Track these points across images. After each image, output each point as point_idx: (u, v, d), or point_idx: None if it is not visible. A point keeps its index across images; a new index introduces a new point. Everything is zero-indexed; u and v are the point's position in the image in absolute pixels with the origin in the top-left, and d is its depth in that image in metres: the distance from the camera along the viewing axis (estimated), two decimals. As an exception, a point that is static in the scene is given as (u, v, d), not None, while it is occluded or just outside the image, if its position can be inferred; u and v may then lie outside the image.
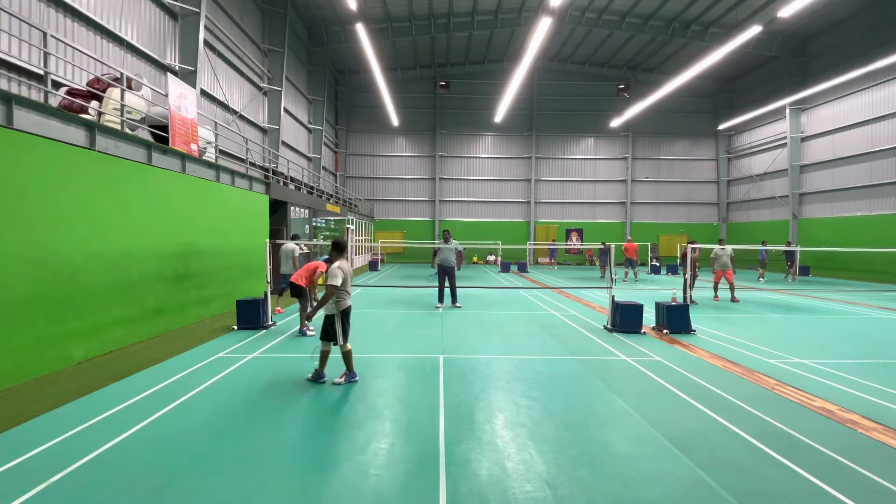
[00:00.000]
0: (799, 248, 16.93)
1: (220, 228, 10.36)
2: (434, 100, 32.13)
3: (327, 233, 21.27)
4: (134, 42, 11.48)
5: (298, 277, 8.03)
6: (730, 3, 22.15)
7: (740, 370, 6.20)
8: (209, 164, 10.29)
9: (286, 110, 21.22)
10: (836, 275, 22.38)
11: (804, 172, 25.47)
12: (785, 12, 17.25)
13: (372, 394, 5.18)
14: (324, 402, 4.97)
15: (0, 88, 6.46)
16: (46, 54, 6.70)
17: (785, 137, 26.30)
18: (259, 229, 12.35)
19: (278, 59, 19.66)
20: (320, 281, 8.13)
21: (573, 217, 32.78)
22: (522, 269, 24.98)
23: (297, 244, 10.17)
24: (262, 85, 19.03)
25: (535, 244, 29.28)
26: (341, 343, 5.43)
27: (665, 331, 8.57)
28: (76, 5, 9.68)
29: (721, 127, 31.11)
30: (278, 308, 10.54)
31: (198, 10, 13.22)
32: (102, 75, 8.46)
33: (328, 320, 5.44)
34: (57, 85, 8.17)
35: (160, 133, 9.07)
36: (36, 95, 8.46)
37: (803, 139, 25.45)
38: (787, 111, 25.66)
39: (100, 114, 7.79)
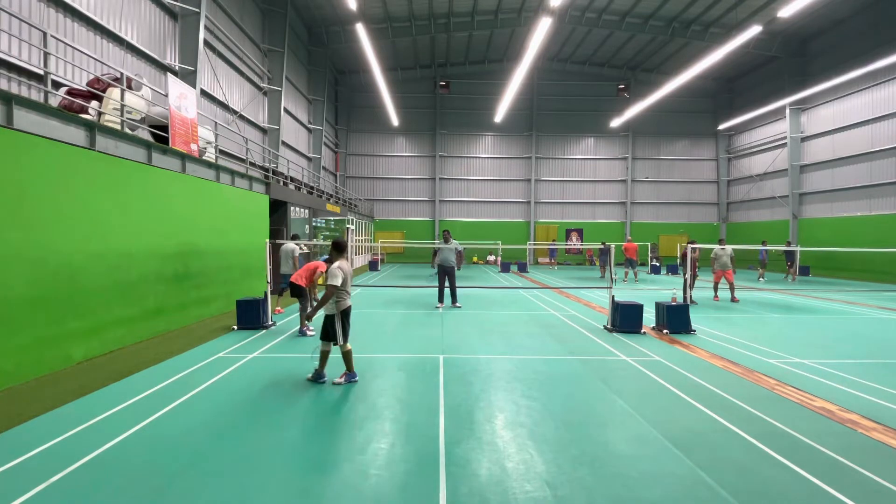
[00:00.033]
0: (799, 248, 16.93)
1: (220, 228, 10.36)
2: (434, 100, 32.13)
3: (327, 233, 21.28)
4: (134, 42, 11.48)
5: (298, 277, 8.03)
6: (730, 3, 22.16)
7: (740, 370, 6.20)
8: (209, 164, 10.29)
9: (286, 110, 21.22)
10: (836, 275, 22.38)
11: (804, 172, 25.47)
12: (785, 12, 17.25)
13: (372, 394, 5.18)
14: (324, 402, 4.97)
15: (0, 88, 6.46)
16: (46, 54, 6.70)
17: (785, 137, 26.30)
18: (259, 229, 12.35)
19: (278, 59, 19.66)
20: (320, 281, 8.13)
21: (573, 217, 32.79)
22: (522, 269, 24.98)
23: (297, 244, 10.17)
24: (262, 85, 19.03)
25: (535, 244, 29.28)
26: (341, 343, 5.43)
27: (665, 331, 8.57)
28: (76, 5, 9.68)
29: (721, 127, 31.12)
30: (278, 308, 10.54)
31: (198, 10, 13.22)
32: (102, 75, 8.46)
33: (328, 320, 5.44)
34: (57, 85, 8.17)
35: (160, 133, 9.07)
36: (36, 95, 8.46)
37: (803, 139, 25.45)
38: (787, 111, 25.66)
39: (100, 114, 7.79)
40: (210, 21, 14.45)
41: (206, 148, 11.28)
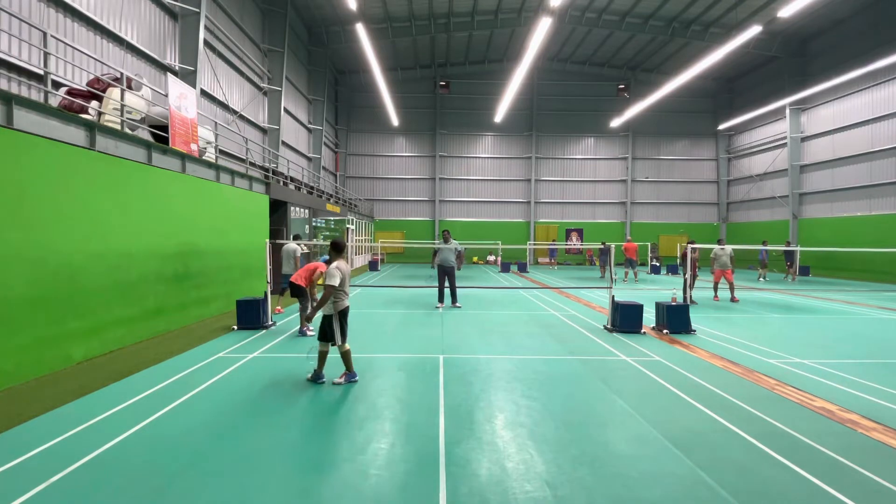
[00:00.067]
0: (799, 248, 16.93)
1: (220, 228, 10.36)
2: (434, 100, 32.13)
3: (327, 233, 21.28)
4: (134, 42, 11.48)
5: (298, 277, 8.03)
6: (730, 3, 22.16)
7: (740, 370, 6.20)
8: (209, 164, 10.29)
9: (286, 110, 21.22)
10: (836, 275, 22.38)
11: (804, 172, 25.47)
12: (785, 12, 17.25)
13: (372, 394, 5.18)
14: (324, 402, 4.97)
15: (0, 88, 6.46)
16: (46, 54, 6.70)
17: (785, 137, 26.30)
18: (259, 229, 12.35)
19: (278, 59, 19.66)
20: (320, 281, 8.13)
21: (573, 217, 32.79)
22: (522, 269, 24.98)
23: (298, 244, 10.17)
24: (262, 85, 19.03)
25: (535, 244, 29.27)
26: (339, 343, 5.42)
27: (665, 331, 8.57)
28: (76, 5, 9.68)
29: (721, 127, 31.12)
30: (279, 308, 10.54)
31: (198, 10, 13.22)
32: (102, 75, 8.46)
33: (326, 321, 5.44)
34: (57, 85, 8.17)
35: (160, 133, 9.07)
36: (36, 95, 8.46)
37: (803, 139, 25.45)
38: (787, 111, 25.66)
39: (100, 114, 7.79)
40: (210, 21, 14.45)
41: (206, 148, 11.28)
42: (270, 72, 19.56)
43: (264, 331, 8.48)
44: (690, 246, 10.79)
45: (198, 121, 10.38)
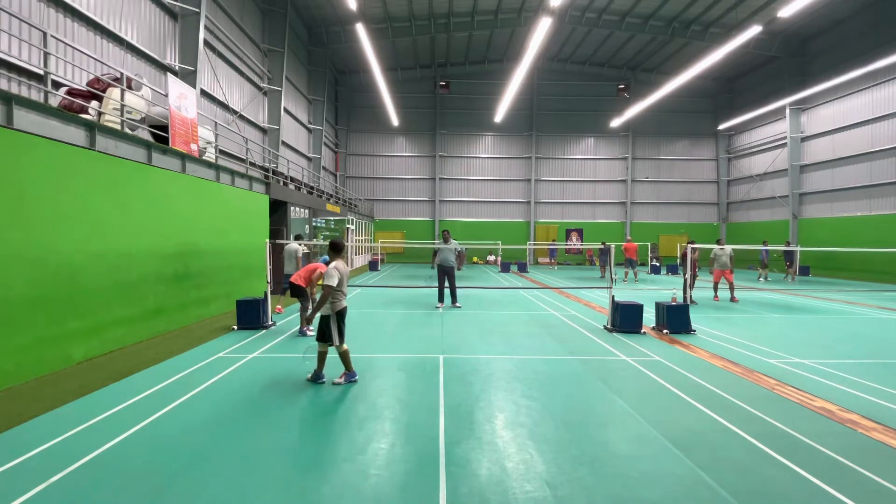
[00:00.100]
0: (799, 248, 16.92)
1: (220, 228, 10.36)
2: (434, 100, 32.14)
3: (327, 233, 21.28)
4: (134, 42, 11.47)
5: (298, 277, 8.04)
6: (730, 3, 22.16)
7: (740, 370, 6.20)
8: (209, 164, 10.29)
9: (286, 110, 21.22)
10: (836, 275, 22.38)
11: (804, 172, 25.47)
12: (785, 12, 17.25)
13: (372, 394, 5.18)
14: (323, 402, 4.97)
15: (0, 88, 6.46)
16: (46, 54, 6.70)
17: (785, 137, 26.30)
18: (259, 229, 12.35)
19: (278, 59, 19.66)
20: (320, 282, 8.13)
21: (573, 217, 32.79)
22: (522, 269, 24.98)
23: (300, 244, 10.17)
24: (262, 85, 19.03)
25: (535, 244, 29.27)
26: (338, 344, 5.42)
27: (665, 331, 8.57)
28: (76, 5, 9.68)
29: (721, 127, 31.12)
30: (279, 307, 10.54)
31: (198, 10, 13.22)
32: (102, 75, 8.46)
33: (324, 321, 5.43)
34: (57, 85, 8.17)
35: (160, 133, 9.07)
36: (36, 95, 8.46)
37: (803, 139, 25.45)
38: (787, 111, 25.66)
39: (100, 114, 7.79)
40: (210, 21, 14.45)
41: (206, 148, 11.28)
42: (270, 72, 19.56)
43: (264, 331, 8.48)
44: (690, 246, 10.79)
45: (198, 121, 10.39)
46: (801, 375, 5.98)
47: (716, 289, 13.31)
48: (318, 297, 5.62)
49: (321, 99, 26.39)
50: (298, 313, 9.25)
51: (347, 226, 23.96)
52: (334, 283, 5.29)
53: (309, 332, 8.12)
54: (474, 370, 6.11)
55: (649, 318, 9.67)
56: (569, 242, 31.76)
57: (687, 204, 32.84)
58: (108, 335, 6.82)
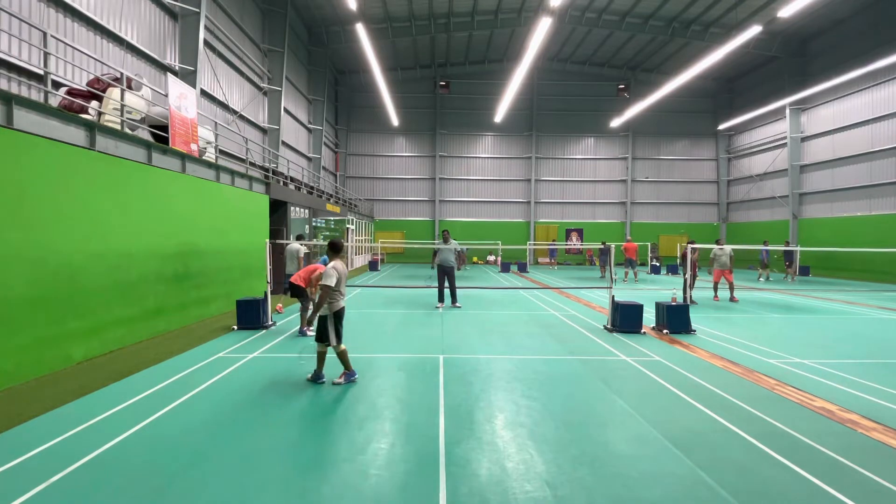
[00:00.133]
0: (799, 248, 16.92)
1: (220, 228, 10.36)
2: (434, 100, 32.14)
3: (327, 233, 21.28)
4: (134, 42, 11.47)
5: (298, 278, 8.04)
6: (730, 3, 22.16)
7: (740, 370, 6.20)
8: (209, 164, 10.29)
9: (286, 110, 21.22)
10: (836, 275, 22.38)
11: (804, 172, 25.47)
12: (785, 12, 17.25)
13: (372, 394, 5.18)
14: (323, 402, 4.97)
15: (0, 88, 6.46)
16: (46, 54, 6.70)
17: (785, 137, 26.30)
18: (259, 229, 12.35)
19: (278, 59, 19.66)
20: (319, 282, 8.14)
21: (573, 217, 32.79)
22: (522, 269, 24.98)
23: (302, 244, 10.18)
24: (262, 85, 19.03)
25: (535, 244, 29.26)
26: (334, 345, 5.41)
27: (665, 331, 8.57)
28: (76, 5, 9.68)
29: (721, 127, 31.12)
30: (279, 305, 10.55)
31: (198, 10, 13.22)
32: (102, 75, 8.46)
33: (321, 322, 5.43)
34: (57, 85, 8.17)
35: (160, 133, 9.07)
36: (36, 95, 8.46)
37: (803, 139, 25.45)
38: (787, 111, 25.66)
39: (100, 114, 7.79)
40: (210, 21, 14.45)
41: (206, 148, 11.28)
42: (270, 72, 19.56)
43: (264, 331, 8.48)
44: (690, 246, 10.79)
45: (198, 121, 10.39)
46: (801, 375, 5.97)
47: (716, 289, 13.31)
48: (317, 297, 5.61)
49: (321, 99, 26.39)
50: (299, 313, 9.25)
51: (347, 226, 23.96)
52: (332, 282, 5.28)
53: (309, 333, 8.12)
54: (474, 370, 6.11)
55: (649, 318, 9.67)
56: (569, 242, 31.75)
57: (687, 204, 32.84)
58: (108, 335, 6.83)
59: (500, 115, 28.95)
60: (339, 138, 32.09)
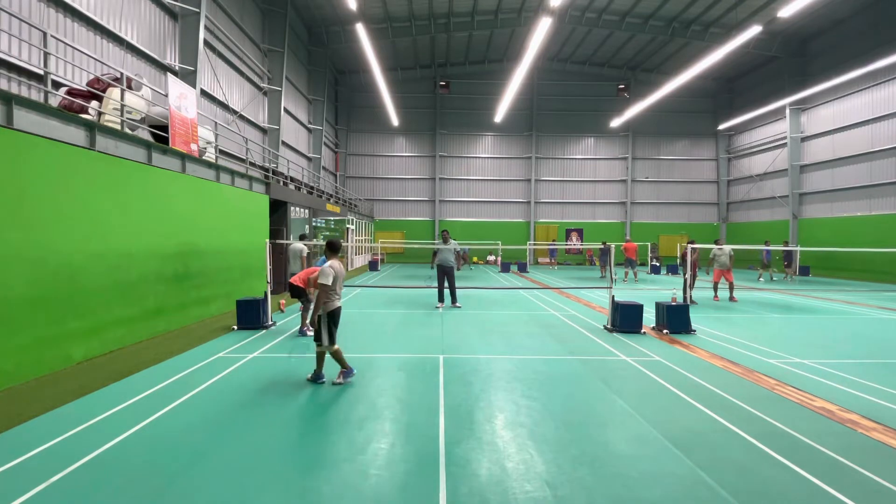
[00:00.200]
0: (799, 248, 16.92)
1: (220, 228, 10.36)
2: (434, 100, 32.13)
3: (327, 233, 21.28)
4: (134, 42, 11.47)
5: (297, 278, 8.03)
6: (730, 3, 22.15)
7: (740, 370, 6.20)
8: (209, 164, 10.28)
9: (286, 110, 21.22)
10: (836, 275, 22.38)
11: (804, 172, 25.47)
12: (785, 12, 17.25)
13: (372, 394, 5.18)
14: (323, 402, 4.97)
15: (0, 88, 6.46)
16: (46, 54, 6.70)
17: (785, 137, 26.30)
18: (259, 229, 12.35)
19: (278, 59, 19.66)
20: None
21: (573, 217, 32.79)
22: (522, 269, 24.98)
23: (304, 244, 10.17)
24: (262, 85, 19.03)
25: (535, 244, 29.25)
26: (327, 345, 5.39)
27: (665, 331, 8.57)
28: (76, 5, 9.68)
29: (721, 127, 31.12)
30: (282, 301, 10.54)
31: (198, 10, 13.21)
32: (102, 75, 8.46)
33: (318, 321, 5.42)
34: (57, 85, 8.17)
35: (160, 133, 9.07)
36: (36, 95, 8.46)
37: (803, 139, 25.45)
38: (787, 111, 25.66)
39: (100, 114, 7.79)
40: (210, 21, 14.45)
41: (206, 148, 11.27)
42: (270, 72, 19.55)
43: (264, 331, 8.48)
44: (690, 246, 10.78)
45: (198, 121, 10.38)
46: (801, 375, 5.98)
47: (716, 289, 13.31)
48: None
49: (321, 99, 26.38)
50: (299, 313, 9.25)
51: (347, 226, 23.96)
52: (329, 281, 5.27)
53: (309, 332, 8.12)
54: (474, 370, 6.11)
55: (649, 318, 9.67)
56: (569, 242, 31.75)
57: (687, 204, 32.84)
58: (108, 335, 6.82)
59: (500, 115, 28.94)
60: (339, 138, 32.09)
